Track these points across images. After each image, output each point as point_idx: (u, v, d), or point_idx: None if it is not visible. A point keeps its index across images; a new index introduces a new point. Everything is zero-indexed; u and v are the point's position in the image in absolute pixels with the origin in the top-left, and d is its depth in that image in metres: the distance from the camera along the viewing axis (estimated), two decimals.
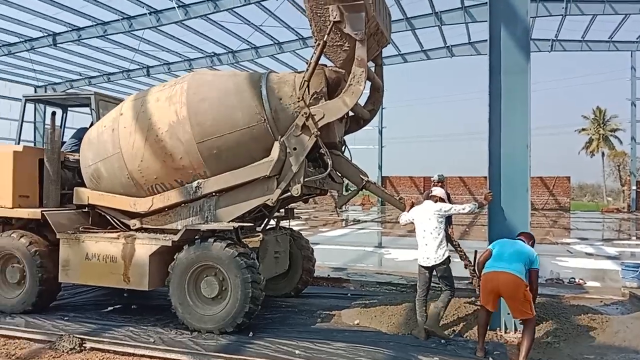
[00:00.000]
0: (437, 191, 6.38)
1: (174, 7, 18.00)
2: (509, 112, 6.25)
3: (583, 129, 59.72)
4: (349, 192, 7.08)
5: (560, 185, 36.58)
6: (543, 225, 22.61)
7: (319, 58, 6.12)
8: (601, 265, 11.74)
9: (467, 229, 20.40)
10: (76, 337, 5.60)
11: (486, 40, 6.55)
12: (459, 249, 6.34)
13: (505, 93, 6.28)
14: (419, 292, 5.99)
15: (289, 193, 6.24)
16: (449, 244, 6.13)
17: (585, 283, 9.03)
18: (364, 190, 6.86)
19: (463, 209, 6.09)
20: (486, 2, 6.60)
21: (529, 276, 5.16)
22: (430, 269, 5.89)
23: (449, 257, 5.88)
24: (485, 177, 6.64)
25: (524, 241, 5.51)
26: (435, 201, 6.09)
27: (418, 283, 6.01)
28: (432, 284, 6.03)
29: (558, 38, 22.76)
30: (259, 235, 6.79)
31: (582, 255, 13.45)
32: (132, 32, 20.04)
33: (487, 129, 6.47)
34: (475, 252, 8.34)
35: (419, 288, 5.99)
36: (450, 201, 9.16)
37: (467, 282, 7.00)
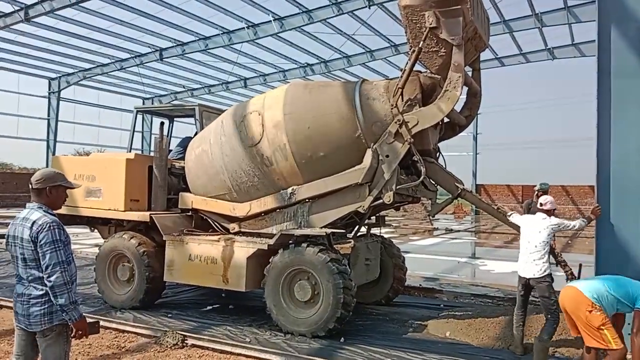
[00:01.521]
0: (549, 203, 5.84)
1: (270, 21, 18.67)
2: (620, 116, 5.82)
3: None
4: (443, 200, 6.93)
5: None
6: None
7: (413, 65, 6.07)
8: None
9: (569, 241, 19.15)
10: (179, 333, 5.94)
11: (592, 41, 6.17)
12: (562, 262, 5.98)
13: (616, 97, 5.85)
14: (517, 304, 5.72)
15: (381, 200, 6.22)
16: (551, 257, 5.80)
17: None
18: (457, 199, 6.69)
19: (574, 226, 5.73)
20: (592, 1, 6.22)
21: (633, 318, 4.29)
22: (529, 281, 5.60)
23: (550, 274, 5.52)
24: (591, 187, 6.24)
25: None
26: (548, 214, 5.71)
27: (517, 295, 5.75)
28: (531, 298, 5.73)
29: None
30: (350, 242, 6.84)
31: None
32: (231, 46, 21.02)
33: (591, 134, 6.07)
34: (580, 265, 7.83)
35: (518, 300, 5.72)
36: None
37: None
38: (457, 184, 6.46)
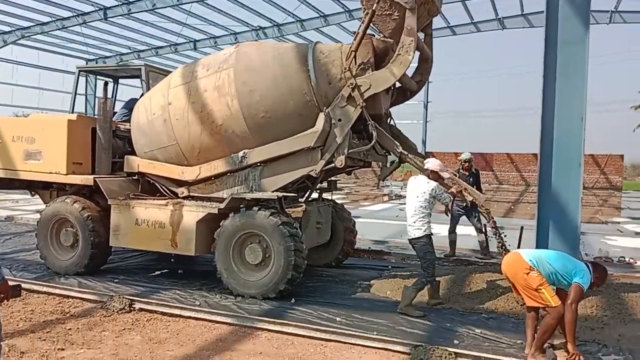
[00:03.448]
0: (431, 163, 5.91)
1: None
2: (565, 84, 6.01)
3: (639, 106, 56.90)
4: (392, 164, 7.00)
5: (612, 164, 35.10)
6: (592, 204, 21.84)
7: (367, 27, 6.02)
8: None
9: (512, 207, 19.94)
10: (126, 297, 5.83)
11: (541, 11, 6.33)
12: (497, 232, 6.10)
13: (562, 64, 6.03)
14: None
15: (333, 164, 6.23)
16: (490, 229, 5.99)
17: (636, 262, 8.70)
18: (402, 164, 6.71)
19: (444, 198, 5.89)
20: None
21: (569, 290, 4.42)
22: (411, 243, 5.84)
23: (428, 235, 5.70)
24: (534, 155, 6.45)
25: (589, 267, 4.58)
26: (430, 177, 5.83)
27: None
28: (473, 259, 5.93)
29: (618, 9, 21.56)
30: (301, 206, 6.84)
31: (632, 234, 12.95)
32: (180, 6, 20.19)
33: (538, 104, 6.24)
34: (522, 228, 8.15)
35: None
36: (479, 180, 8.95)
37: None
38: (396, 148, 6.40)
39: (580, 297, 4.43)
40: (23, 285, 5.13)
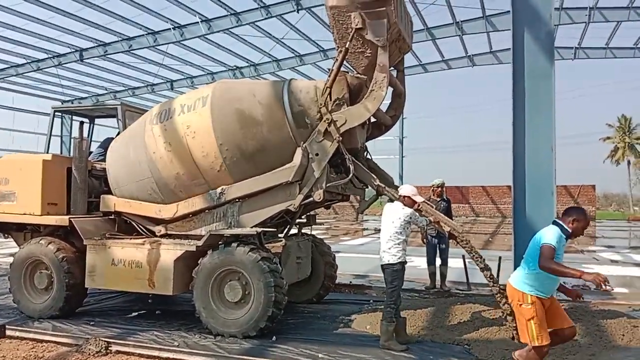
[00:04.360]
0: (405, 190, 5.99)
1: (198, 22, 18.30)
2: (534, 115, 6.23)
3: (608, 138, 58.78)
4: (370, 197, 7.06)
5: (585, 194, 35.90)
6: None
7: (340, 64, 6.18)
8: (628, 272, 11.49)
9: (490, 238, 20.13)
10: (102, 340, 5.67)
11: (508, 48, 6.56)
12: (479, 260, 6.12)
13: (530, 97, 6.26)
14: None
15: (311, 198, 6.26)
16: (473, 257, 6.02)
17: (613, 289, 8.81)
18: (380, 196, 6.76)
19: (421, 222, 5.96)
20: (508, 11, 6.64)
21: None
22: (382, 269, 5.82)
23: (401, 262, 5.67)
24: (509, 187, 6.58)
25: (557, 222, 4.34)
26: (405, 203, 5.85)
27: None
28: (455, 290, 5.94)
29: (581, 45, 22.49)
30: (281, 241, 6.82)
31: (608, 262, 13.17)
32: (157, 47, 20.40)
33: (510, 137, 6.43)
34: (499, 258, 8.25)
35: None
36: (450, 207, 9.04)
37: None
38: (373, 181, 6.43)
39: (547, 254, 4.07)
40: None
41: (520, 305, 4.32)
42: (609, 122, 58.89)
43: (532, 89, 6.31)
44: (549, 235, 4.19)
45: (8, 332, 6.10)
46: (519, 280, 4.39)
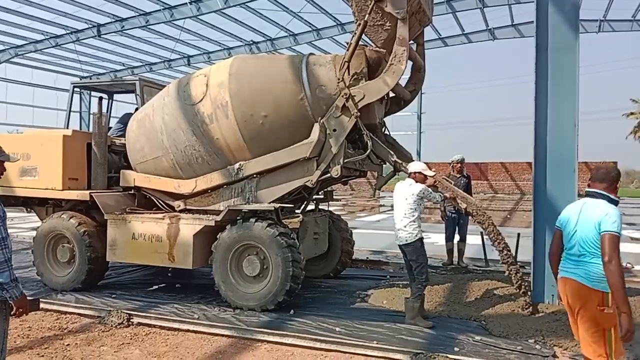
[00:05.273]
0: (414, 166, 5.95)
1: None
2: (557, 90, 6.06)
3: (632, 113, 57.35)
4: (388, 174, 7.03)
5: None
6: None
7: (359, 38, 6.08)
8: None
9: (508, 215, 19.99)
10: (124, 312, 5.80)
11: (531, 22, 6.42)
12: (498, 239, 6.05)
13: (553, 71, 6.08)
14: (408, 274, 5.90)
15: (329, 174, 6.24)
16: (491, 235, 5.99)
17: (633, 267, 8.72)
18: (397, 172, 6.71)
19: (434, 197, 5.87)
20: None
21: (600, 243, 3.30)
22: (401, 249, 5.79)
23: (420, 239, 5.65)
24: (529, 163, 6.46)
25: (598, 194, 3.48)
26: (417, 180, 5.80)
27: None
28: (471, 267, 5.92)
29: (607, 18, 21.85)
30: (298, 217, 6.85)
31: (628, 240, 12.99)
32: (173, 22, 20.33)
33: (531, 113, 6.29)
34: (518, 235, 8.17)
35: (406, 266, 5.92)
36: (470, 184, 8.95)
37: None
38: (391, 157, 6.39)
39: (615, 245, 3.27)
40: None
41: (602, 309, 3.33)
42: (634, 97, 57.38)
43: (555, 63, 6.13)
44: (612, 218, 3.30)
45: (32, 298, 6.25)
46: (596, 277, 3.35)
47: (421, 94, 32.49)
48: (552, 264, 3.77)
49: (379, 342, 4.96)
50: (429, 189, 5.80)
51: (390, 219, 18.29)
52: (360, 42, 6.16)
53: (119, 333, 5.41)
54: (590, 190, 3.53)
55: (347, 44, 6.23)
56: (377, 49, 6.39)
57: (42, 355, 4.76)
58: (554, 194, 6.13)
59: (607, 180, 3.50)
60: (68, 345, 5.05)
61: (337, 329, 5.42)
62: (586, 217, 3.44)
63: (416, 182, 5.78)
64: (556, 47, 6.08)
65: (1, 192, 7.46)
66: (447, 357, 4.48)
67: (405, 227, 5.66)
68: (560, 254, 3.67)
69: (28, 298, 3.20)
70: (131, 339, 5.26)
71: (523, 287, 5.91)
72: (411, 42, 6.72)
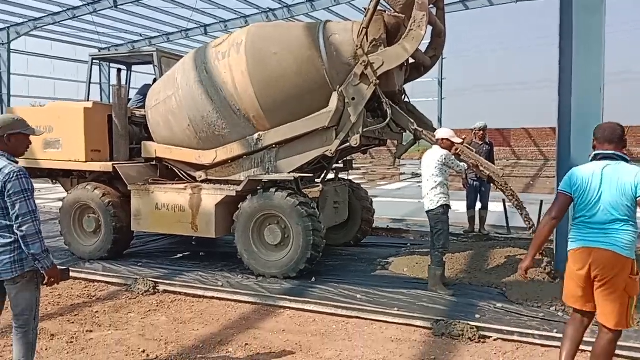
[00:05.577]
0: (442, 132, 5.94)
1: None
2: (582, 53, 5.88)
3: None
4: (408, 142, 6.97)
5: (633, 135, 34.31)
6: None
7: (377, 3, 5.94)
8: None
9: (531, 182, 19.76)
10: (150, 280, 5.96)
11: None
12: (517, 204, 6.00)
13: (578, 33, 5.88)
14: (430, 241, 5.91)
15: (348, 144, 6.22)
16: (513, 203, 5.93)
17: None
18: (418, 141, 6.65)
19: (458, 165, 5.83)
20: None
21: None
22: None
23: (443, 205, 5.63)
24: (552, 129, 6.35)
25: (617, 155, 3.32)
26: (443, 146, 5.79)
27: None
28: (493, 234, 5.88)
29: None
30: (318, 186, 6.87)
31: None
32: None
33: (555, 76, 6.13)
34: (541, 202, 8.08)
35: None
36: (492, 151, 8.82)
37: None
38: (411, 125, 6.33)
39: None
40: None
41: (632, 277, 3.25)
42: None
43: (580, 25, 5.93)
44: None
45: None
46: (630, 244, 3.24)
47: (442, 59, 31.88)
48: (547, 230, 3.51)
49: (399, 309, 5.02)
50: (453, 157, 5.76)
51: (410, 187, 18.26)
52: (378, 8, 6.03)
53: (146, 300, 5.57)
54: (607, 152, 3.34)
55: (366, 9, 6.10)
56: (396, 14, 6.25)
57: (72, 322, 4.93)
58: (578, 160, 5.99)
59: (615, 140, 3.35)
60: (97, 312, 5.22)
61: (358, 296, 5.50)
62: (615, 181, 3.24)
63: (443, 148, 5.75)
64: (581, 8, 5.87)
65: (27, 165, 7.61)
66: (468, 324, 4.51)
67: (428, 194, 5.69)
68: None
69: (59, 268, 3.30)
70: (157, 305, 5.41)
71: (545, 253, 5.87)
72: (431, 6, 6.56)
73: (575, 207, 3.44)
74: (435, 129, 6.55)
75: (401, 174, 24.21)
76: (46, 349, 4.32)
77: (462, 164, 5.93)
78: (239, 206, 6.37)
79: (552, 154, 31.48)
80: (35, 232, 3.12)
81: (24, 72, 29.57)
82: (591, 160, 3.44)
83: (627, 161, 3.33)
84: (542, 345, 4.29)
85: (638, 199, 3.19)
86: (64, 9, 22.77)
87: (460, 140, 5.92)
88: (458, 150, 5.93)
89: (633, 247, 3.25)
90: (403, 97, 7.05)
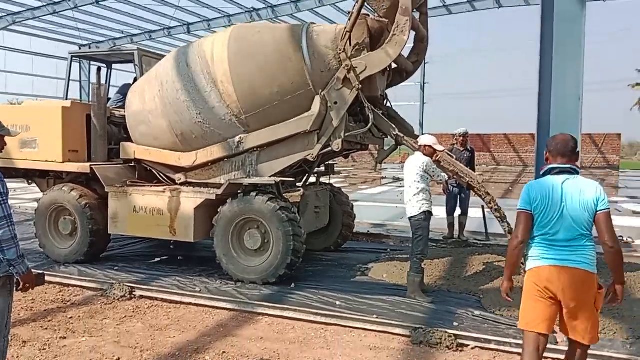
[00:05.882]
0: (425, 139, 5.98)
1: None
2: (561, 61, 5.97)
3: (637, 84, 56.67)
4: (389, 147, 6.97)
5: (609, 143, 35.04)
6: None
7: (361, 7, 5.93)
8: None
9: (510, 188, 19.97)
10: (126, 285, 5.85)
11: None
12: (497, 212, 6.03)
13: (558, 41, 5.98)
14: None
15: (330, 148, 6.19)
16: (492, 209, 5.96)
17: (634, 241, 8.74)
18: (399, 146, 6.66)
19: (438, 175, 5.86)
20: None
21: (600, 225, 3.13)
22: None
23: (425, 212, 5.65)
24: (532, 135, 6.41)
25: (573, 169, 3.23)
26: (425, 153, 5.83)
27: None
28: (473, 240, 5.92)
29: None
30: (299, 190, 6.83)
31: (630, 214, 13.00)
32: None
33: (535, 83, 6.20)
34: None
35: None
36: (474, 157, 8.88)
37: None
38: (392, 130, 6.31)
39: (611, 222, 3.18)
40: None
41: (599, 292, 3.22)
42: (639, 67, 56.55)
43: (560, 33, 6.02)
44: (604, 194, 3.18)
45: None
46: (594, 260, 3.19)
47: (424, 63, 32.14)
48: (517, 254, 3.34)
49: (378, 316, 5.01)
50: (434, 165, 5.77)
51: (391, 191, 18.32)
52: (362, 12, 6.02)
53: (122, 306, 5.46)
54: (563, 166, 3.22)
55: (349, 13, 6.09)
56: (380, 18, 6.25)
57: (46, 328, 4.82)
58: None
59: (567, 153, 3.24)
60: (71, 318, 5.11)
61: (338, 302, 5.47)
62: (576, 195, 3.14)
63: (425, 154, 5.76)
64: (562, 17, 5.96)
65: (2, 164, 7.44)
66: (446, 332, 4.51)
67: (410, 200, 5.71)
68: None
69: (33, 272, 3.21)
70: (133, 311, 5.31)
71: (522, 261, 5.90)
72: (414, 11, 6.57)
73: (535, 224, 3.26)
74: (416, 136, 6.55)
75: (382, 178, 24.29)
76: (18, 357, 4.20)
77: (442, 174, 5.94)
78: (219, 210, 6.30)
79: (531, 160, 31.90)
80: (11, 237, 3.03)
81: (1, 67, 29.05)
82: (545, 174, 3.31)
83: (578, 174, 3.25)
84: (519, 354, 4.29)
85: (597, 214, 3.12)
86: (44, 3, 22.37)
87: (442, 148, 5.95)
88: (439, 157, 5.94)
89: (595, 262, 3.20)
90: (385, 102, 7.05)
